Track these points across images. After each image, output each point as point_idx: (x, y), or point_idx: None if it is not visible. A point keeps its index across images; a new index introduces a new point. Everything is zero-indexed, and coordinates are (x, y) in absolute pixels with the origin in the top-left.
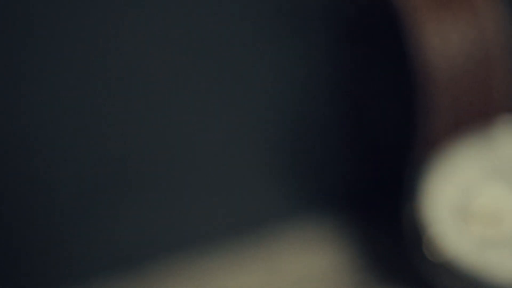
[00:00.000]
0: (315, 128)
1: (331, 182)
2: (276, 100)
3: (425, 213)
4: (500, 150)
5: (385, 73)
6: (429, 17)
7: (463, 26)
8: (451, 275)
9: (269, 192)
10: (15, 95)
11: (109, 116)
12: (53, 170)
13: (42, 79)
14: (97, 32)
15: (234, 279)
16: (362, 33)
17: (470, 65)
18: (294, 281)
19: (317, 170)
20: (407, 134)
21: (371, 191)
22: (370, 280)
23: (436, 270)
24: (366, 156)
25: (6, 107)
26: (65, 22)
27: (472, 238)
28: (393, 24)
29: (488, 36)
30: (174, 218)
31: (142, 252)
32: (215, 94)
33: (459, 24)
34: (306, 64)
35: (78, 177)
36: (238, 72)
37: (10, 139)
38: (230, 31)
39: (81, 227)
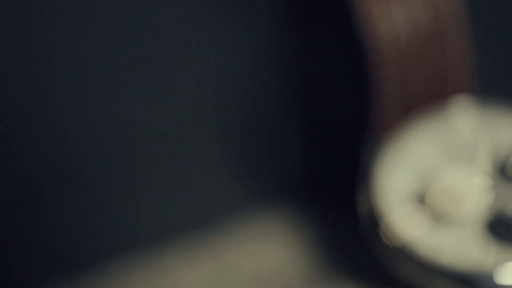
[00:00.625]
0: (264, 116)
1: (283, 173)
2: (223, 86)
3: (381, 199)
4: (455, 130)
5: (334, 53)
6: None
7: (413, 1)
8: (409, 259)
9: (221, 185)
10: None
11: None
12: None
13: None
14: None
15: (189, 275)
16: (310, 11)
17: (422, 42)
18: (249, 276)
19: (268, 160)
20: (360, 117)
21: (325, 181)
22: (326, 272)
23: (394, 256)
24: (319, 143)
25: None
26: None
27: (429, 221)
28: (341, 1)
29: (441, 12)
30: (127, 214)
31: (94, 250)
32: (157, 83)
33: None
34: (253, 46)
35: (28, 174)
36: (182, 57)
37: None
38: (171, 14)
39: (30, 228)
